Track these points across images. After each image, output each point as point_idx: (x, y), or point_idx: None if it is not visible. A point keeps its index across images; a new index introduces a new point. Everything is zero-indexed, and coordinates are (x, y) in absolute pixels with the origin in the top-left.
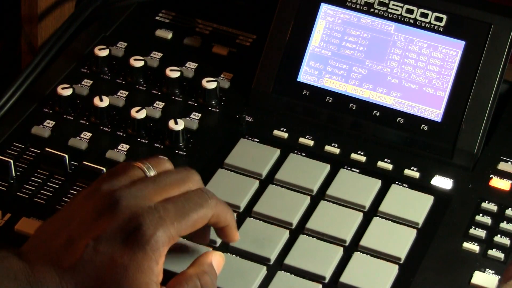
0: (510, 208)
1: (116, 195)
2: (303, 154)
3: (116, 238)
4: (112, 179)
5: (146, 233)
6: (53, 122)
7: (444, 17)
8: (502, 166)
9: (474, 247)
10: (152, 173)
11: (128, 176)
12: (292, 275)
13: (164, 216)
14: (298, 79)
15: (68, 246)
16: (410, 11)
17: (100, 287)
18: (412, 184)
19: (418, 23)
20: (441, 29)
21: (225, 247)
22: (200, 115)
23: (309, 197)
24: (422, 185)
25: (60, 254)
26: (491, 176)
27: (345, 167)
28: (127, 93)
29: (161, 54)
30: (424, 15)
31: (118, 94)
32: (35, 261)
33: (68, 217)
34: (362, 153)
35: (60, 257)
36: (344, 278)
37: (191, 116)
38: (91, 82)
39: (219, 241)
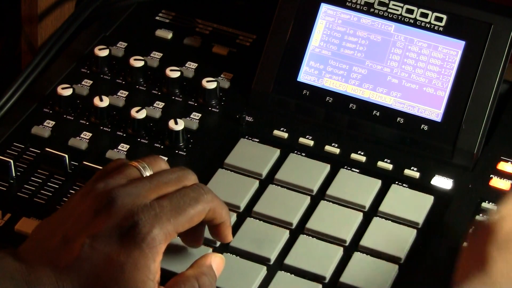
0: None
1: (111, 193)
2: (303, 154)
3: (112, 236)
4: (108, 178)
5: (142, 231)
6: (53, 122)
7: (444, 17)
8: (502, 166)
9: None
10: (147, 172)
11: (123, 175)
12: (292, 275)
13: (160, 213)
14: (298, 79)
15: (64, 245)
16: (410, 11)
17: (97, 285)
18: (412, 184)
19: (418, 23)
20: (441, 29)
21: (225, 247)
22: (200, 115)
23: (309, 197)
24: (422, 185)
25: (56, 253)
26: (491, 176)
27: (345, 167)
28: (127, 93)
29: (161, 54)
30: (424, 15)
31: (118, 94)
32: (31, 261)
33: (64, 217)
34: (362, 153)
35: (56, 256)
36: (344, 278)
37: (191, 116)
38: (91, 82)
39: None
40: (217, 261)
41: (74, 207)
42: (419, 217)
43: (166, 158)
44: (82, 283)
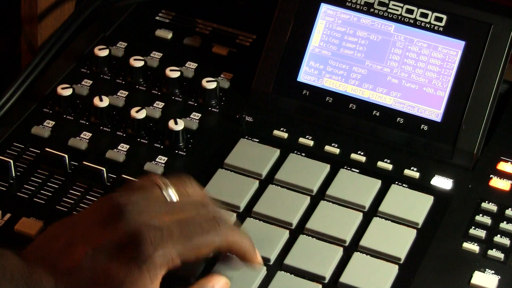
0: (510, 208)
1: (123, 208)
2: (303, 154)
3: (114, 251)
4: (128, 192)
5: (144, 252)
6: (53, 122)
7: (444, 17)
8: (502, 166)
9: (474, 247)
10: (170, 193)
11: (143, 192)
12: (292, 275)
13: (166, 237)
14: (298, 79)
15: (67, 250)
16: (410, 11)
17: None
18: (412, 184)
19: (418, 23)
20: (441, 29)
21: None
22: (200, 115)
23: (309, 197)
24: (422, 185)
25: (58, 256)
26: (491, 176)
27: (345, 167)
28: (127, 93)
29: (161, 54)
30: (424, 15)
31: (118, 94)
32: (33, 262)
33: (75, 222)
34: (362, 153)
35: (58, 260)
36: (344, 278)
37: (191, 116)
38: (91, 82)
39: None
40: (221, 285)
41: (88, 214)
42: (419, 217)
43: (166, 158)
44: None
